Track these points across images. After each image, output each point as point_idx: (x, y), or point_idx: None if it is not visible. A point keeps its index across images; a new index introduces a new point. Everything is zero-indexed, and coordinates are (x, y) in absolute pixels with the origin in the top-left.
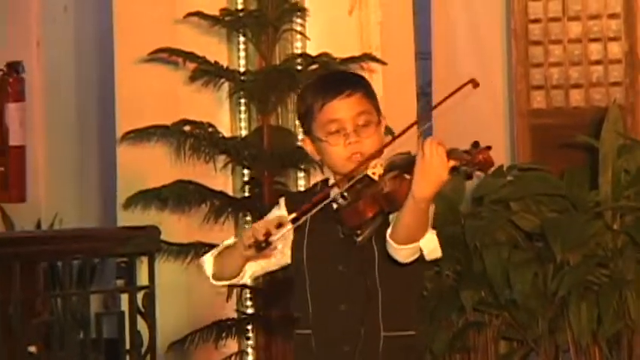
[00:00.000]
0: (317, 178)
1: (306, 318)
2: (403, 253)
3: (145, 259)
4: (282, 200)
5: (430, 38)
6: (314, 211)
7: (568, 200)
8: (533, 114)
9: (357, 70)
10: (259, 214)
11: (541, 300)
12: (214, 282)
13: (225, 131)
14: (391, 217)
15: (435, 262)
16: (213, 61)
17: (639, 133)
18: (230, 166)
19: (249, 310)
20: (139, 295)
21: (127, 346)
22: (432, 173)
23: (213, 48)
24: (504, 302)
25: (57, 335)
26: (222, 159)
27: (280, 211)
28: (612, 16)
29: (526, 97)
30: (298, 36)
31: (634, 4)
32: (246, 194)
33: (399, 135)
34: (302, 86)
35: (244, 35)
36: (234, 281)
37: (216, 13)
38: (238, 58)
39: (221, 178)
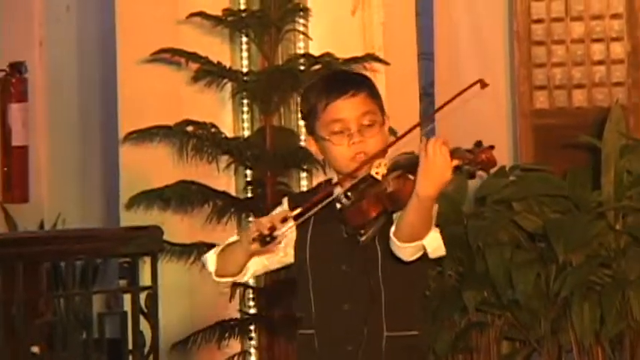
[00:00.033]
0: (319, 178)
1: (309, 318)
2: (407, 252)
3: (147, 260)
4: (285, 200)
5: (433, 39)
6: (319, 207)
7: (570, 200)
8: (536, 114)
9: (360, 71)
10: (262, 215)
11: (544, 300)
12: (217, 279)
13: (228, 131)
14: (395, 215)
15: (438, 261)
16: (215, 62)
17: None
18: (233, 166)
19: (252, 311)
20: (142, 296)
21: (130, 347)
22: (435, 172)
23: (216, 48)
24: (507, 302)
25: (60, 335)
26: (224, 159)
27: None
28: (615, 16)
29: (529, 98)
30: (301, 36)
31: (636, 4)
32: (249, 195)
33: (403, 135)
34: (306, 86)
35: (247, 35)
36: (236, 278)
37: (219, 13)
38: (241, 58)
39: (224, 179)
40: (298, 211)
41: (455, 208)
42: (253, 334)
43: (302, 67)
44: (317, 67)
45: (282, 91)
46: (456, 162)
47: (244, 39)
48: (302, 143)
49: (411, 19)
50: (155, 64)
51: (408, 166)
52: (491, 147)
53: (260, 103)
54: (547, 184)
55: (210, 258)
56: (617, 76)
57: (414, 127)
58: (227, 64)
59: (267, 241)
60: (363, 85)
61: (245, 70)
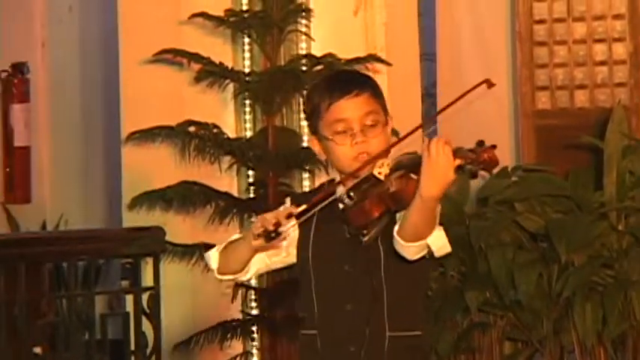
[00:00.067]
0: (322, 179)
1: (312, 318)
2: (411, 251)
3: (149, 260)
4: (287, 200)
5: (435, 39)
6: (323, 204)
7: (573, 201)
8: (538, 115)
9: (362, 71)
10: None
11: (546, 301)
12: (219, 276)
13: (230, 132)
14: (398, 215)
15: (441, 261)
16: (218, 62)
17: None
18: (235, 167)
19: (254, 311)
20: (144, 296)
21: (132, 347)
22: (438, 172)
23: (218, 49)
24: (509, 303)
25: (62, 336)
26: (227, 160)
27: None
28: (617, 16)
29: (531, 98)
30: (303, 37)
31: (639, 4)
32: (251, 195)
33: (407, 135)
34: (309, 85)
35: (249, 36)
36: (238, 276)
37: (221, 13)
38: (243, 58)
39: (226, 179)
40: (303, 207)
41: (457, 208)
42: (255, 335)
43: (304, 68)
44: (319, 67)
45: (284, 92)
46: (458, 161)
47: (246, 39)
48: (304, 144)
49: (414, 19)
50: (157, 64)
51: (411, 165)
52: (494, 146)
53: (262, 104)
54: (549, 184)
55: (213, 255)
56: (620, 76)
57: (418, 127)
58: (229, 64)
59: (271, 236)
60: (367, 85)
61: (247, 70)
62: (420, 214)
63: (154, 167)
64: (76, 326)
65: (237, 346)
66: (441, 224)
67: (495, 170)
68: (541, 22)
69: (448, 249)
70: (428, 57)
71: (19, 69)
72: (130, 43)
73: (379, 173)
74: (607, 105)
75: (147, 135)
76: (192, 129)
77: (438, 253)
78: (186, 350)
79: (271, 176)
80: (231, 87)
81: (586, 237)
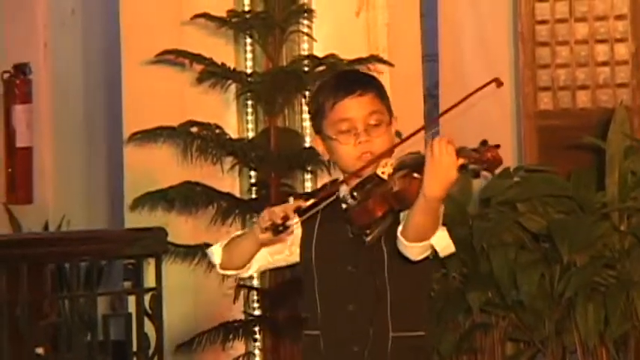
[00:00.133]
0: (324, 179)
1: (315, 319)
2: (414, 251)
3: (152, 261)
4: (291, 199)
5: (437, 40)
6: (329, 200)
7: (575, 201)
8: (540, 115)
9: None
10: None
11: (548, 301)
12: (221, 271)
13: (232, 133)
14: (402, 215)
15: (443, 262)
16: (220, 63)
17: None
18: (237, 167)
19: (257, 312)
20: (146, 297)
21: (135, 348)
22: (441, 172)
23: (220, 49)
24: (511, 303)
25: (64, 337)
26: (229, 160)
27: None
28: (619, 17)
29: (533, 99)
30: (305, 37)
31: None
32: (253, 196)
33: (411, 135)
34: (315, 85)
35: (251, 37)
36: (240, 272)
37: (223, 14)
38: (245, 59)
39: (228, 180)
40: (312, 201)
41: (459, 209)
42: (258, 336)
43: (306, 69)
44: (321, 68)
45: (286, 93)
46: (462, 161)
47: (248, 40)
48: (306, 144)
49: (416, 20)
50: (160, 65)
51: (414, 165)
52: (497, 146)
53: (264, 105)
54: (551, 185)
55: (216, 251)
56: (622, 77)
57: (422, 127)
58: (231, 65)
59: (279, 230)
60: (371, 86)
61: (249, 71)
62: (423, 213)
63: (156, 168)
64: (78, 327)
65: (239, 347)
66: (444, 224)
67: (497, 171)
68: (543, 22)
69: (452, 249)
70: (430, 58)
71: (22, 70)
72: (132, 43)
73: (382, 173)
74: (609, 105)
75: (149, 135)
76: (194, 129)
77: (442, 254)
78: (189, 351)
79: (273, 177)
80: (233, 88)
81: (588, 237)
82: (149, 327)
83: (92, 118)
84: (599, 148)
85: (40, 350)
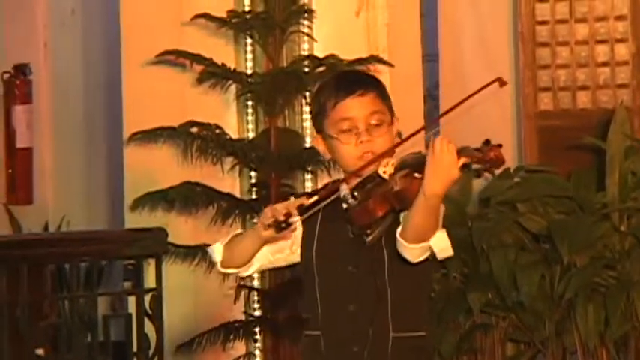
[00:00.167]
0: (324, 180)
1: (315, 319)
2: (413, 252)
3: (152, 261)
4: (292, 199)
5: (437, 40)
6: (330, 199)
7: (575, 202)
8: (541, 116)
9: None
10: None
11: (548, 302)
12: (221, 269)
13: (233, 133)
14: (402, 216)
15: (443, 263)
16: (220, 63)
17: None
18: (237, 168)
19: (257, 312)
20: (147, 298)
21: (135, 349)
22: (442, 170)
23: (221, 50)
24: (511, 304)
25: (64, 338)
26: (229, 161)
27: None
28: (619, 17)
29: (533, 99)
30: (305, 38)
31: None
32: (254, 196)
33: (412, 135)
34: (315, 85)
35: (251, 37)
36: (240, 270)
37: (224, 15)
38: (245, 60)
39: (228, 180)
40: (315, 198)
41: (459, 209)
42: (258, 336)
43: (306, 69)
44: (321, 68)
45: (286, 93)
46: (464, 160)
47: (249, 40)
48: (307, 145)
49: (416, 20)
50: (160, 65)
51: (416, 165)
52: (500, 145)
53: (264, 105)
54: (551, 185)
55: (217, 248)
56: (622, 77)
57: (423, 127)
58: (231, 65)
59: (282, 227)
60: (373, 86)
61: (249, 71)
62: (423, 213)
63: (157, 168)
64: (78, 327)
65: (239, 348)
66: (443, 227)
67: (498, 171)
68: (543, 23)
69: (450, 252)
70: (430, 58)
71: (22, 70)
72: (132, 44)
73: (384, 172)
74: (609, 106)
75: (149, 136)
76: (194, 130)
77: (440, 255)
78: (189, 351)
79: (273, 177)
80: (233, 88)
81: (588, 238)
82: (149, 327)
83: (92, 118)
84: (599, 148)
85: (40, 351)
